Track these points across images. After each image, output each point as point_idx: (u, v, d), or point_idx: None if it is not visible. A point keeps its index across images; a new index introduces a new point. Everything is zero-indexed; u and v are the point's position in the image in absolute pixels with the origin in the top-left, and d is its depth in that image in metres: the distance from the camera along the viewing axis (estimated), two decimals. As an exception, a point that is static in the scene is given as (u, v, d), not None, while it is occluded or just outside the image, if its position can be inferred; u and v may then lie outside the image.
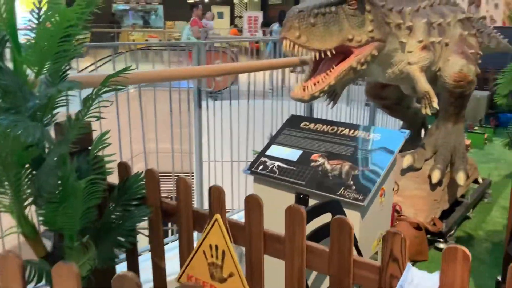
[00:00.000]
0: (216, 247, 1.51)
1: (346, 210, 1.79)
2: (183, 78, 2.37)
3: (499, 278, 2.23)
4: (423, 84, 2.96)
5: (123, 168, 1.72)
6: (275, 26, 12.49)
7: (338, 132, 2.17)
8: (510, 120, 6.97)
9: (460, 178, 3.21)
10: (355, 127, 2.20)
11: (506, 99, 3.93)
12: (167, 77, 2.32)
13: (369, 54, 2.59)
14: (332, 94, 3.43)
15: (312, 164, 2.05)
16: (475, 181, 3.99)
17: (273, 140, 2.27)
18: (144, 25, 24.41)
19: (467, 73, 3.18)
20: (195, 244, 1.61)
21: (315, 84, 2.52)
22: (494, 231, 3.40)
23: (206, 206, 3.43)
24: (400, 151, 3.67)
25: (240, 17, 26.12)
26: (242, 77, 6.51)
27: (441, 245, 3.09)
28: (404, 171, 3.33)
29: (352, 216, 1.81)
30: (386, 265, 1.25)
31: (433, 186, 3.24)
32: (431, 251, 3.03)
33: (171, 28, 23.77)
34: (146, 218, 1.66)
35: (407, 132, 2.08)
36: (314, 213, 1.65)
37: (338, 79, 2.55)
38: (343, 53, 2.60)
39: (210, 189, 1.49)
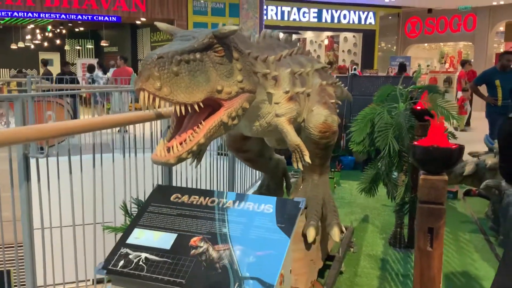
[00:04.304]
0: None
1: (245, 314, 1.35)
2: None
3: None
4: (293, 137, 2.75)
5: None
6: (96, 72, 12.30)
7: (221, 205, 1.75)
8: (351, 163, 7.43)
9: (335, 233, 3.03)
10: (240, 197, 1.80)
11: (360, 145, 4.00)
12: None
13: (240, 107, 2.27)
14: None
15: (193, 251, 1.58)
16: (339, 230, 3.92)
17: (134, 223, 1.74)
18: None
19: (331, 123, 3.08)
20: None
21: (181, 144, 2.10)
22: (369, 285, 3.28)
23: (40, 282, 2.68)
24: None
25: (73, 64, 24.63)
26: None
27: (324, 311, 2.84)
28: (277, 232, 3.03)
29: (253, 321, 1.38)
30: None
31: (308, 245, 3.00)
32: (316, 319, 2.75)
33: (-10, 76, 21.20)
34: None
35: (303, 200, 1.76)
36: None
37: (208, 136, 2.16)
38: (210, 105, 2.23)
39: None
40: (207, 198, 1.81)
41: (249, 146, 3.60)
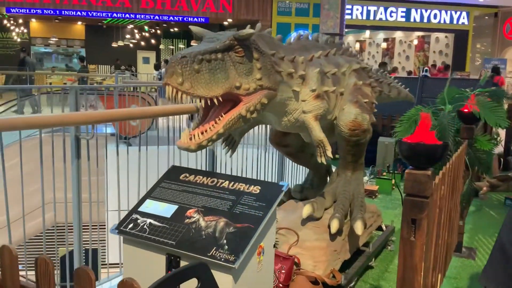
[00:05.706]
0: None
1: (217, 273, 1.61)
2: (49, 125, 2.14)
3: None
4: (318, 132, 2.93)
5: None
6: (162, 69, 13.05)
7: (218, 184, 2.02)
8: (416, 166, 7.29)
9: (358, 227, 3.16)
10: (236, 179, 2.06)
11: (404, 146, 4.02)
12: (32, 124, 2.08)
13: (258, 102, 2.51)
14: (231, 141, 3.31)
15: (186, 221, 1.87)
16: (379, 228, 3.99)
17: (148, 194, 2.08)
18: (66, 68, 23.77)
19: (361, 122, 3.21)
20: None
21: (202, 133, 2.39)
22: (396, 280, 3.35)
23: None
24: (304, 199, 3.65)
25: (167, 61, 26.05)
26: (162, 121, 6.27)
27: (341, 299, 2.99)
28: (304, 221, 3.23)
29: (223, 280, 1.64)
30: None
31: (333, 236, 3.16)
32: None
33: (94, 72, 23.34)
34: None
35: (286, 184, 1.98)
36: (174, 281, 1.46)
37: (227, 127, 2.44)
38: (232, 100, 2.50)
39: (36, 260, 1.26)
40: (209, 178, 2.10)
41: (289, 141, 3.82)
